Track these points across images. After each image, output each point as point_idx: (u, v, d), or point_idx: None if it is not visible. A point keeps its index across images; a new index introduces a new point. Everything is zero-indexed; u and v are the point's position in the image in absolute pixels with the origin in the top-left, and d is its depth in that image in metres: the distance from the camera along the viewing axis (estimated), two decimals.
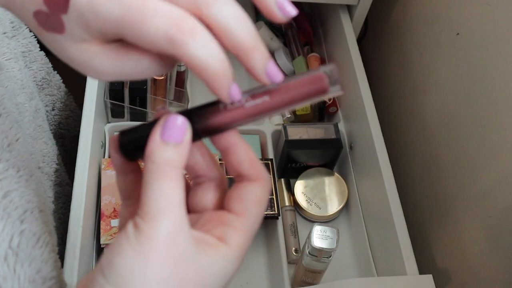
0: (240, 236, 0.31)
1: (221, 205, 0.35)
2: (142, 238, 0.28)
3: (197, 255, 0.29)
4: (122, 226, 0.35)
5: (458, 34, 0.75)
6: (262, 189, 0.33)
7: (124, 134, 0.32)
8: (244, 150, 0.33)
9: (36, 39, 0.74)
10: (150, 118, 0.89)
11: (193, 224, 0.33)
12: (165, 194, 0.28)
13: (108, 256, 0.28)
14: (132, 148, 0.32)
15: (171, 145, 0.29)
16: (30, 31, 0.73)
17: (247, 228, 0.32)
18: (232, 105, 0.31)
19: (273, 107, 0.31)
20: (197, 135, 0.31)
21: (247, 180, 0.33)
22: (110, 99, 0.83)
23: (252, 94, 0.31)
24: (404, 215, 0.73)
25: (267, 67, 0.29)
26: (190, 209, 0.35)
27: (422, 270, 0.69)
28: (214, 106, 0.31)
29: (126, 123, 0.85)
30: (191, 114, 0.31)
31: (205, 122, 0.31)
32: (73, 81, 0.90)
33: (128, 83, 0.83)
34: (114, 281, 0.28)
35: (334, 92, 0.31)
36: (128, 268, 0.28)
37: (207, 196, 0.34)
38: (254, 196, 0.33)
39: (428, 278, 0.67)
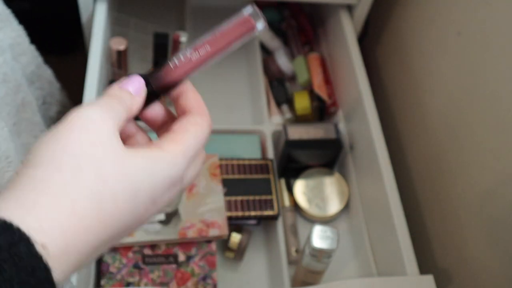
0: (175, 144, 0.33)
1: None
2: (63, 121, 0.30)
3: (119, 147, 0.31)
4: None
5: (459, 33, 0.75)
6: (203, 119, 0.36)
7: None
8: (193, 93, 0.37)
9: (25, 31, 0.74)
10: None
11: None
12: (103, 98, 0.33)
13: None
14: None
15: (126, 91, 0.35)
16: (19, 24, 0.73)
17: (185, 140, 0.33)
18: (182, 60, 0.37)
19: (215, 53, 0.37)
20: (155, 95, 0.37)
21: (188, 113, 0.37)
22: None
23: (195, 47, 0.37)
24: (405, 215, 0.73)
25: None
26: None
27: (422, 270, 0.69)
28: (166, 66, 0.37)
29: None
30: (148, 77, 0.36)
31: (161, 81, 0.36)
32: (73, 81, 0.90)
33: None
34: (27, 162, 0.29)
35: (260, 27, 0.37)
36: (40, 147, 0.30)
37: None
38: (193, 120, 0.35)
39: (429, 279, 0.66)
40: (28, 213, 0.27)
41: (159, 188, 0.31)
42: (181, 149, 0.33)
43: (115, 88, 0.35)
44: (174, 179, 0.32)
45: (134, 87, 0.35)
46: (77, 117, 0.30)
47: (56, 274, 0.27)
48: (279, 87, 0.96)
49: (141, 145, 0.36)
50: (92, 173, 0.29)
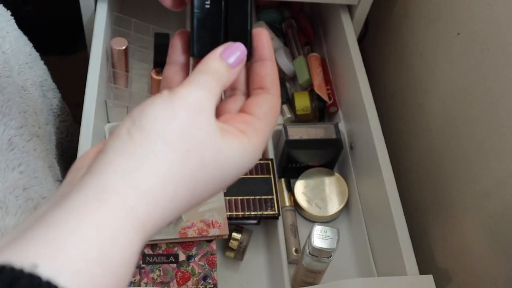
0: (259, 135, 0.34)
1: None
2: (175, 96, 0.30)
3: (219, 134, 0.31)
4: None
5: (458, 34, 0.75)
6: (277, 101, 0.37)
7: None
8: (274, 66, 0.37)
9: (27, 32, 0.75)
10: None
11: None
12: (205, 76, 0.32)
13: (139, 107, 0.30)
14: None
15: (225, 64, 0.34)
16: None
17: (265, 130, 0.35)
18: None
19: None
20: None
21: (265, 92, 0.36)
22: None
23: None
24: (405, 215, 0.73)
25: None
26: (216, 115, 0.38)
27: (422, 270, 0.69)
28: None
29: None
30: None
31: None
32: (73, 81, 0.90)
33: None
34: (141, 123, 0.29)
35: None
36: (157, 114, 0.29)
37: (236, 104, 0.37)
38: (272, 104, 0.36)
39: (429, 278, 0.67)
40: (130, 180, 0.27)
41: (238, 175, 0.33)
42: (262, 140, 0.34)
43: (215, 59, 0.34)
44: (249, 168, 0.34)
45: (234, 59, 0.34)
46: (189, 97, 0.30)
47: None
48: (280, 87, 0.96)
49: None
50: (197, 159, 0.29)
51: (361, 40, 0.98)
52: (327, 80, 0.96)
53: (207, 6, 0.35)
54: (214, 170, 0.30)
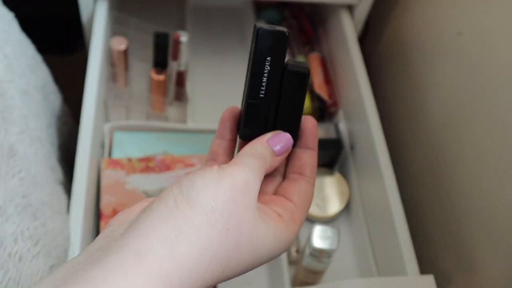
0: (295, 224, 0.35)
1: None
2: (224, 174, 0.31)
3: (258, 218, 0.32)
4: None
5: (459, 33, 0.75)
6: (313, 190, 0.38)
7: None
8: (316, 156, 0.39)
9: (25, 30, 0.75)
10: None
11: None
12: (253, 160, 0.34)
13: (189, 177, 0.31)
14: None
15: (271, 151, 0.35)
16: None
17: (301, 218, 0.36)
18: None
19: None
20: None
21: (304, 180, 0.38)
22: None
23: None
24: (405, 215, 0.73)
25: None
26: None
27: (422, 270, 0.69)
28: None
29: (126, 123, 0.85)
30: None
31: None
32: (73, 80, 0.90)
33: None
34: (189, 194, 0.30)
35: None
36: (204, 188, 0.30)
37: (273, 185, 0.39)
38: (310, 194, 0.37)
39: (429, 279, 0.66)
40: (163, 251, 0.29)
41: (270, 259, 0.34)
42: (298, 228, 0.35)
43: (262, 144, 0.35)
44: (281, 253, 0.35)
45: (280, 147, 0.36)
46: (237, 176, 0.31)
47: None
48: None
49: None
50: (234, 238, 0.31)
51: (361, 40, 0.98)
52: (328, 80, 0.96)
53: (261, 96, 0.36)
54: (247, 252, 0.32)
